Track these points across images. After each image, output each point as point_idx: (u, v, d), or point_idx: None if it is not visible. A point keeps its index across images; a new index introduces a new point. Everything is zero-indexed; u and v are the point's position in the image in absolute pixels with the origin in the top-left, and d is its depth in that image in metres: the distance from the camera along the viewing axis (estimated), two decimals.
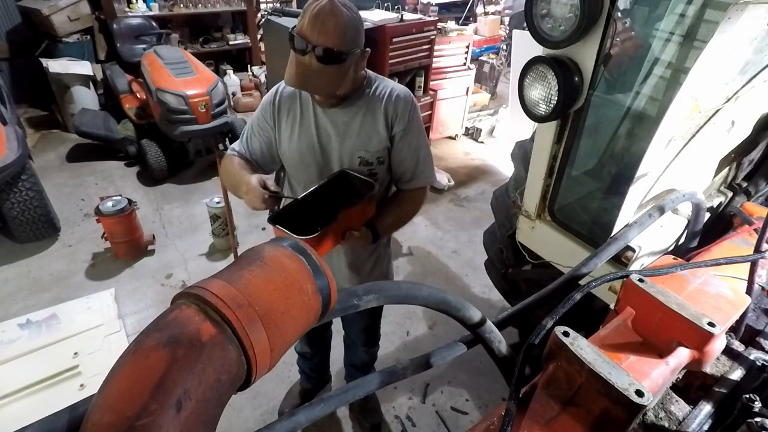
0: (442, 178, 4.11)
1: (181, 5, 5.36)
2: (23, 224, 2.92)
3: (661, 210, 1.09)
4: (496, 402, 2.31)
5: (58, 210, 3.26)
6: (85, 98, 4.51)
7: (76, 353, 2.17)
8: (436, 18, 4.50)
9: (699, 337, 0.73)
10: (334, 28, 1.15)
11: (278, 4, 6.12)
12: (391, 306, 2.56)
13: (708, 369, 0.86)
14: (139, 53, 4.20)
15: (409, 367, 0.77)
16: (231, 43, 5.82)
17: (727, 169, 1.72)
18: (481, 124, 5.16)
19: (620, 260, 1.45)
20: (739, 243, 1.20)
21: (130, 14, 4.92)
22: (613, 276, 0.81)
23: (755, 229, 1.22)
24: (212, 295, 0.46)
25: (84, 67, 4.45)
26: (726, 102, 1.30)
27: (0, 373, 2.05)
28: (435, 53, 3.94)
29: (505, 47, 6.38)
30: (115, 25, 4.63)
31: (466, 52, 4.55)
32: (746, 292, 0.94)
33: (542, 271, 1.87)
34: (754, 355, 0.91)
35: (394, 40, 3.43)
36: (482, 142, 5.05)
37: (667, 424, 0.76)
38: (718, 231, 1.43)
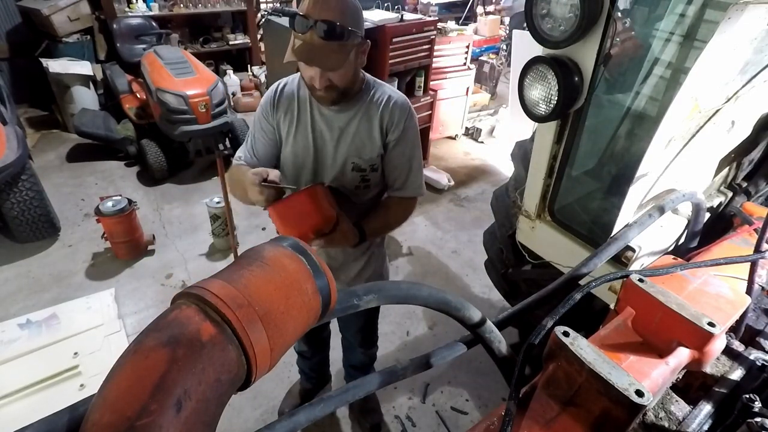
0: (442, 178, 4.11)
1: (181, 5, 5.36)
2: (23, 224, 2.92)
3: (661, 210, 1.09)
4: (496, 402, 2.31)
5: (58, 210, 3.26)
6: (85, 98, 4.51)
7: (76, 353, 2.17)
8: (436, 18, 4.49)
9: (699, 337, 0.73)
10: (335, 3, 1.16)
11: (278, 4, 6.13)
12: (391, 306, 2.56)
13: (708, 369, 0.86)
14: (139, 53, 4.20)
15: (409, 367, 0.77)
16: (231, 43, 5.82)
17: (727, 169, 1.72)
18: (481, 124, 5.16)
19: (620, 260, 1.45)
20: (739, 243, 1.20)
21: (130, 14, 4.92)
22: (613, 276, 0.81)
23: (755, 229, 1.22)
24: (212, 295, 0.46)
25: (84, 67, 4.45)
26: (726, 102, 1.29)
27: (0, 373, 2.05)
28: (435, 53, 3.94)
29: (505, 47, 6.38)
30: (115, 25, 4.63)
31: (466, 52, 4.55)
32: (746, 292, 0.94)
33: (542, 271, 1.87)
34: (754, 355, 0.91)
35: (394, 40, 3.43)
36: (482, 142, 5.05)
37: (667, 424, 0.76)
38: (718, 231, 1.43)
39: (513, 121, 4.85)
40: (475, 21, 6.56)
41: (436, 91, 4.29)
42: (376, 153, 1.37)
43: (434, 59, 3.99)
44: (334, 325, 2.08)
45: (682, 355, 0.76)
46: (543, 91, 1.40)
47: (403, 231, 3.58)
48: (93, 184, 3.92)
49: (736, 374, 0.87)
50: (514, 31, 4.72)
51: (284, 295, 0.51)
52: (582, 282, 0.83)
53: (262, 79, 5.58)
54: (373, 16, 3.47)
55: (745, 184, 1.73)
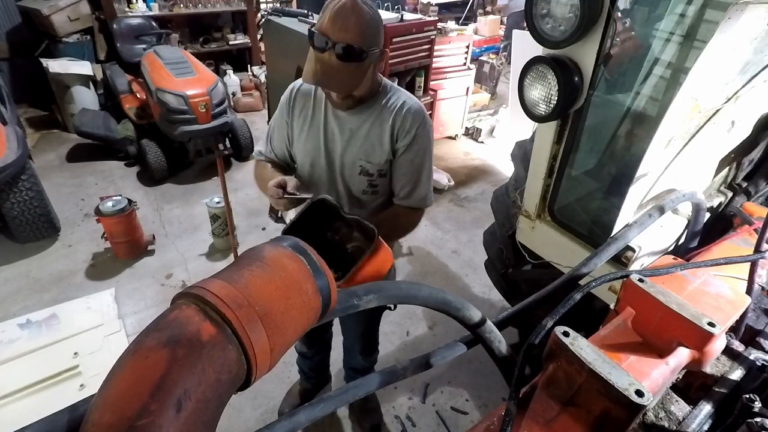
0: (442, 178, 4.11)
1: (181, 5, 5.35)
2: (23, 224, 2.91)
3: (661, 210, 1.09)
4: (496, 402, 2.31)
5: (58, 210, 3.26)
6: (85, 98, 4.51)
7: (76, 353, 2.17)
8: (436, 18, 4.49)
9: (699, 337, 0.73)
10: (355, 24, 1.14)
11: (278, 4, 6.13)
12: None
13: (708, 369, 0.86)
14: (139, 53, 4.20)
15: (409, 367, 0.77)
16: (231, 43, 5.82)
17: (727, 169, 1.72)
18: (481, 124, 5.16)
19: (620, 260, 1.45)
20: (739, 243, 1.20)
21: (130, 14, 4.91)
22: (613, 276, 0.81)
23: (755, 229, 1.22)
24: (212, 295, 0.46)
25: (84, 67, 4.45)
26: (726, 102, 1.30)
27: (0, 373, 2.05)
28: (435, 53, 3.94)
29: (503, 47, 6.38)
30: (115, 25, 4.62)
31: (466, 52, 4.55)
32: (746, 292, 0.95)
33: (542, 271, 1.87)
34: (754, 355, 0.91)
35: (394, 40, 3.43)
36: (482, 142, 5.05)
37: (667, 424, 0.76)
38: (718, 231, 1.43)
39: (513, 121, 4.85)
40: (475, 21, 6.56)
41: (436, 91, 4.29)
42: (385, 158, 1.36)
43: (434, 59, 3.99)
44: (336, 327, 2.08)
45: (682, 355, 0.76)
46: (543, 91, 1.40)
47: None
48: (93, 184, 3.92)
49: (736, 374, 0.87)
50: (514, 31, 4.72)
51: (284, 295, 0.51)
52: (582, 282, 0.83)
53: (262, 79, 5.57)
54: None
55: (745, 184, 1.73)
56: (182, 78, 3.70)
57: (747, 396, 0.71)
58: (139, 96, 4.16)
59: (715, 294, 0.86)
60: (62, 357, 2.14)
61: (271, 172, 1.40)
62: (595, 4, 1.20)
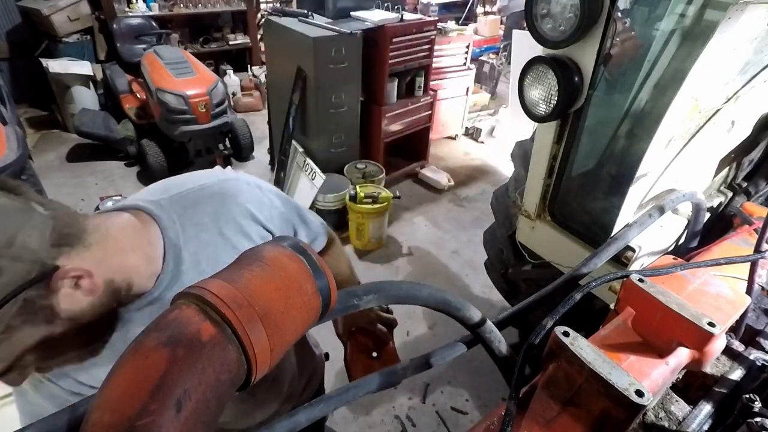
0: (442, 178, 4.12)
1: (181, 5, 5.35)
2: None
3: (661, 210, 1.08)
4: (496, 402, 2.31)
5: None
6: (85, 98, 4.51)
7: None
8: (436, 18, 4.49)
9: (699, 337, 0.73)
10: None
11: (278, 4, 6.12)
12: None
13: (708, 369, 0.86)
14: (139, 53, 4.19)
15: (409, 367, 0.77)
16: (231, 43, 5.82)
17: (727, 169, 1.72)
18: (481, 124, 5.16)
19: (620, 260, 1.45)
20: (739, 243, 1.19)
21: (130, 14, 4.91)
22: (613, 276, 0.81)
23: (755, 229, 1.22)
24: (212, 294, 0.46)
25: (84, 67, 4.45)
26: (726, 102, 1.30)
27: None
28: (435, 53, 3.93)
29: (503, 47, 6.37)
30: (115, 25, 4.63)
31: (466, 52, 4.55)
32: (746, 292, 0.94)
33: (542, 271, 1.87)
34: (754, 355, 0.91)
35: (394, 40, 3.42)
36: (482, 142, 5.04)
37: (667, 424, 0.76)
38: (718, 231, 1.43)
39: (513, 121, 4.85)
40: (475, 21, 6.56)
41: (436, 91, 4.29)
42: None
43: (434, 59, 3.99)
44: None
45: (682, 355, 0.76)
46: (543, 91, 1.40)
47: (403, 231, 3.58)
48: (93, 184, 3.92)
49: (736, 374, 0.87)
50: (514, 31, 4.72)
51: (284, 295, 0.51)
52: (582, 282, 0.83)
53: (262, 79, 5.57)
54: (373, 16, 3.47)
55: (745, 184, 1.73)
56: (182, 78, 3.70)
57: (747, 396, 0.71)
58: (139, 96, 4.16)
59: (715, 294, 0.86)
60: None
61: None
62: (595, 4, 1.20)
